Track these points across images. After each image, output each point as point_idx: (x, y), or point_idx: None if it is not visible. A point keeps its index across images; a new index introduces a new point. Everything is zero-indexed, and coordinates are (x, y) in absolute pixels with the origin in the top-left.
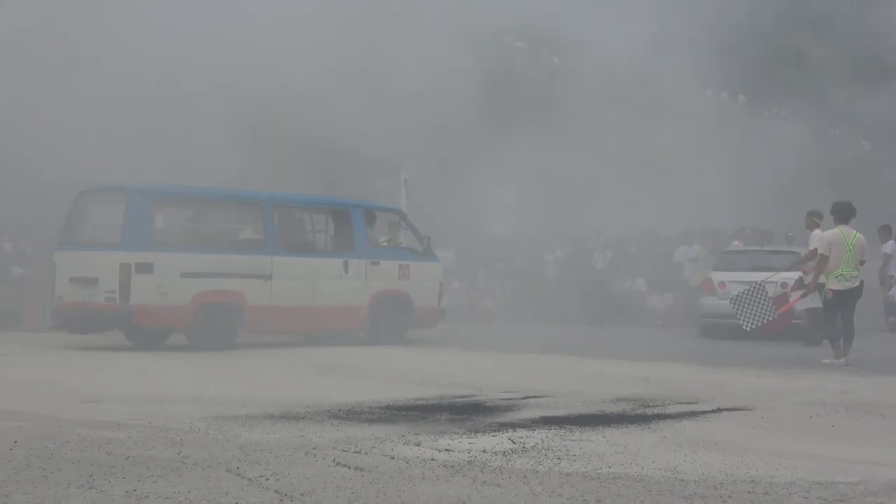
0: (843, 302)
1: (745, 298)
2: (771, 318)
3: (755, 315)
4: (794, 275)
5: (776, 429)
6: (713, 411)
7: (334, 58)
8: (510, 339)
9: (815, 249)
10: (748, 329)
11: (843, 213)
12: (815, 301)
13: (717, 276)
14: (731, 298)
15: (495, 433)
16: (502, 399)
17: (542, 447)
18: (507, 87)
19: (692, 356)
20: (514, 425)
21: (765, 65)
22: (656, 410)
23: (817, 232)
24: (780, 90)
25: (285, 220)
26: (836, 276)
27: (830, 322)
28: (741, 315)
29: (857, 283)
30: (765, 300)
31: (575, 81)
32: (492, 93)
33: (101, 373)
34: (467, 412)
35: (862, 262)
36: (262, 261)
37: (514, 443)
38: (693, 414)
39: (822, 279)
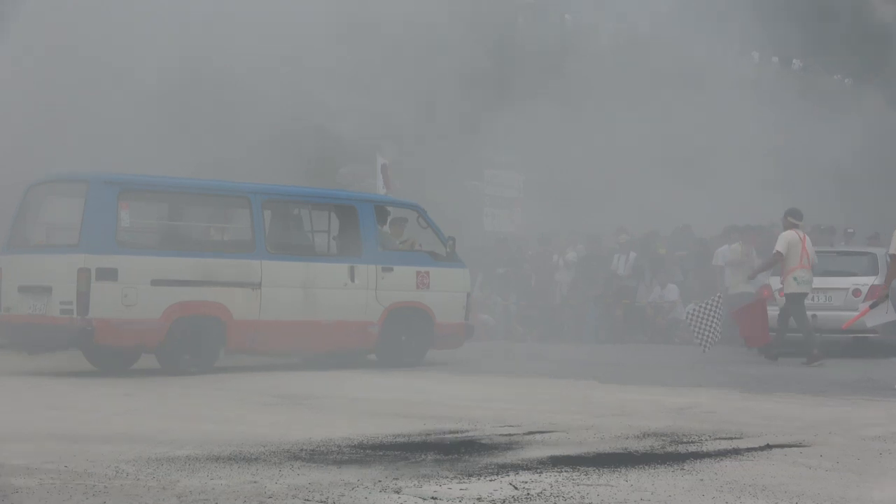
0: None
1: (699, 316)
2: (719, 336)
3: (712, 333)
4: (866, 280)
5: (839, 469)
6: (761, 448)
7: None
8: (512, 361)
9: (778, 252)
10: (705, 352)
11: None
12: (889, 313)
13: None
14: (686, 316)
15: (493, 477)
16: (502, 435)
17: (552, 494)
18: (509, 52)
19: (734, 381)
20: (516, 467)
21: (821, 20)
22: (691, 448)
23: (787, 234)
24: (839, 51)
25: (278, 217)
26: None
27: None
28: (697, 335)
29: None
30: (719, 316)
31: (590, 45)
32: (490, 58)
33: (16, 402)
34: (459, 451)
35: None
36: (249, 266)
37: (516, 489)
38: (736, 452)
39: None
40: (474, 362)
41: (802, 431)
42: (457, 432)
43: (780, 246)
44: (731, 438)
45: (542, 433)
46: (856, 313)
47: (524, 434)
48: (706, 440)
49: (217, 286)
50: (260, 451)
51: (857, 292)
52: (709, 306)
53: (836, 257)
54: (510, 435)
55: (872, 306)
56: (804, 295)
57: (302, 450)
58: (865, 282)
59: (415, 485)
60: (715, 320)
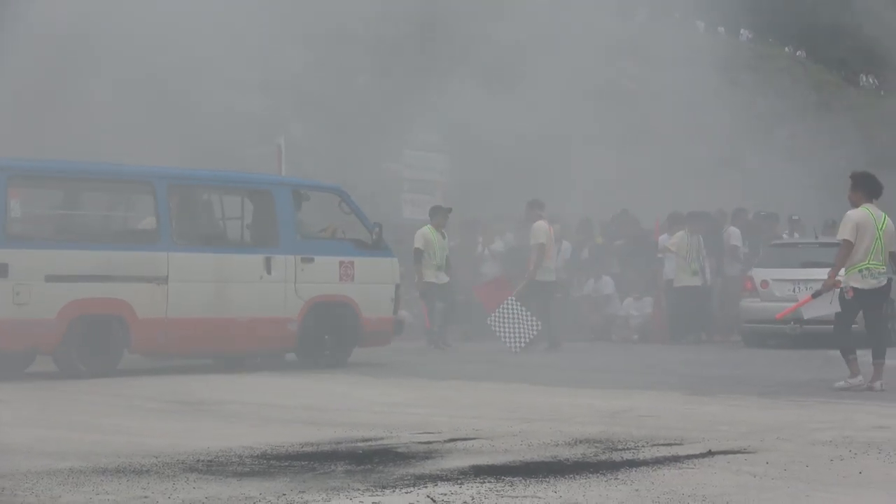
0: (867, 305)
1: (503, 317)
2: (535, 333)
3: (520, 333)
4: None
5: (786, 477)
6: (702, 455)
7: None
8: (433, 362)
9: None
10: (516, 351)
11: (872, 187)
12: (829, 306)
13: (760, 274)
14: (489, 319)
15: (409, 489)
16: (420, 442)
17: None
18: (431, 17)
19: (677, 382)
20: (434, 478)
21: None
22: (627, 455)
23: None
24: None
25: (186, 204)
26: (860, 270)
27: (845, 330)
28: (504, 336)
29: (885, 282)
30: (523, 315)
31: (521, 11)
32: (410, 24)
33: None
34: (372, 461)
35: (893, 256)
36: (154, 259)
37: (434, 501)
38: (676, 459)
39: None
40: (398, 364)
41: (748, 437)
42: (371, 440)
43: (846, 233)
44: (670, 445)
45: (464, 440)
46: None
47: (445, 442)
48: (643, 447)
49: (119, 282)
50: (152, 462)
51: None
52: (507, 307)
53: (817, 248)
54: (429, 443)
55: (815, 296)
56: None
57: (198, 461)
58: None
59: (323, 498)
60: (521, 318)
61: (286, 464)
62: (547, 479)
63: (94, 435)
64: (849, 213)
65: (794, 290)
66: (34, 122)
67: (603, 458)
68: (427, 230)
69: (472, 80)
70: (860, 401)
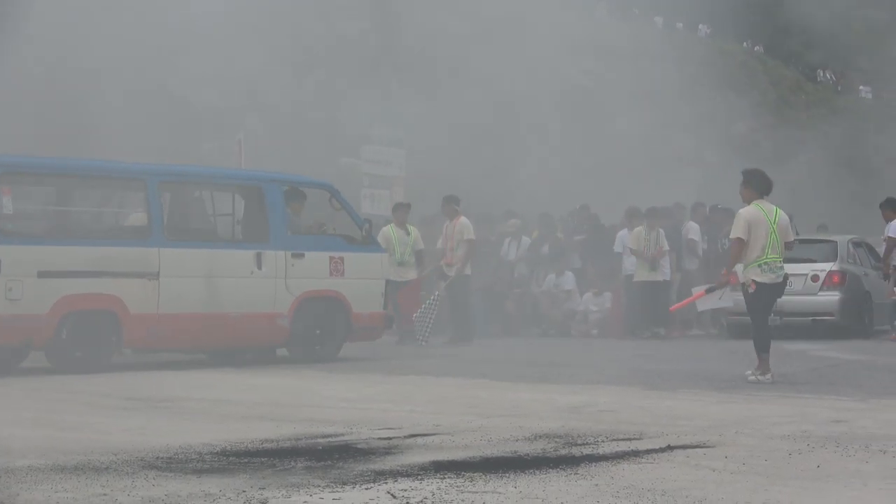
0: (766, 299)
1: (426, 315)
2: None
3: (430, 326)
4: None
5: (745, 471)
6: (661, 450)
7: None
8: (390, 358)
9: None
10: (423, 344)
11: (762, 184)
12: (724, 300)
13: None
14: (414, 317)
15: (369, 485)
16: (380, 438)
17: (433, 502)
18: (389, 13)
19: (636, 377)
20: (394, 474)
21: None
22: (586, 450)
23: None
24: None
25: (177, 200)
26: (760, 265)
27: (762, 323)
28: (420, 333)
29: (782, 278)
30: (435, 313)
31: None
32: (368, 20)
33: None
34: (332, 457)
35: (789, 247)
36: (146, 255)
37: (394, 497)
38: (635, 454)
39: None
40: (357, 359)
41: (707, 431)
42: (330, 436)
43: (738, 230)
44: (629, 439)
45: (424, 436)
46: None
47: (405, 437)
48: (602, 442)
49: (110, 277)
50: (111, 459)
51: (815, 278)
52: (431, 306)
53: (797, 245)
54: (389, 438)
55: (708, 291)
56: None
57: (158, 458)
58: (824, 268)
59: (283, 495)
60: (433, 316)
61: (246, 460)
62: (507, 475)
63: (51, 432)
64: (740, 211)
65: None
66: None
67: (563, 452)
68: (388, 228)
69: (427, 74)
70: (818, 395)
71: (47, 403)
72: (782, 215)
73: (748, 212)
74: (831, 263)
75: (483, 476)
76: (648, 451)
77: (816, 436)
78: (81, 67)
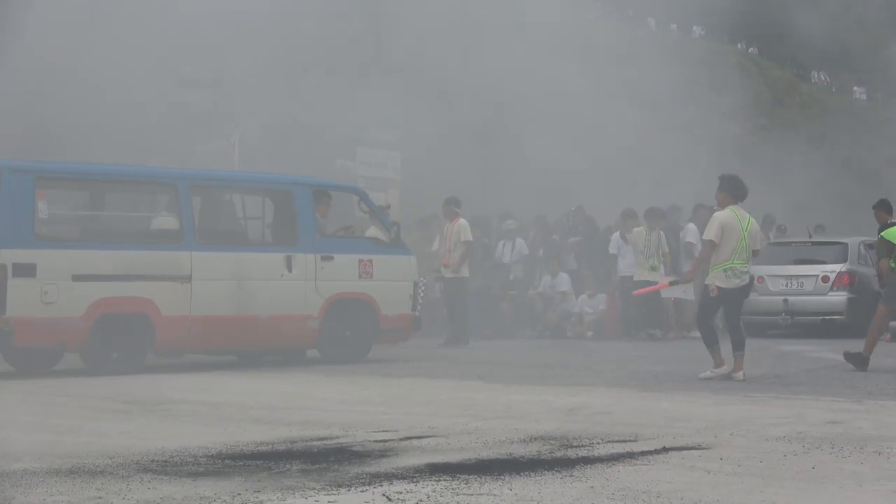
0: (729, 302)
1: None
2: None
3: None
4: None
5: (740, 473)
6: (657, 452)
7: None
8: (387, 359)
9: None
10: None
11: (737, 190)
12: (686, 292)
13: (757, 271)
14: None
15: (364, 487)
16: (375, 441)
17: None
18: (383, 14)
19: (631, 379)
20: (390, 476)
21: None
22: (582, 452)
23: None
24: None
25: (208, 204)
26: (725, 270)
27: (707, 323)
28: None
29: (747, 280)
30: None
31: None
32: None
33: None
34: (327, 460)
35: (756, 254)
36: (178, 258)
37: (389, 500)
38: (630, 456)
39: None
40: (348, 363)
41: (702, 433)
42: (326, 439)
43: (711, 233)
44: (625, 441)
45: (419, 438)
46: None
47: (400, 440)
48: (598, 444)
49: (143, 280)
50: (106, 463)
51: (825, 279)
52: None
53: (809, 246)
54: (385, 441)
55: (672, 283)
56: None
57: (153, 461)
58: (834, 269)
59: (278, 497)
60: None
61: (241, 463)
62: (502, 477)
63: (47, 435)
64: (715, 214)
65: (786, 286)
66: None
67: (558, 455)
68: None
69: (421, 77)
70: (814, 397)
71: (44, 407)
72: (754, 223)
73: (723, 216)
74: (842, 265)
75: (478, 478)
76: (644, 453)
77: (812, 437)
78: (78, 68)
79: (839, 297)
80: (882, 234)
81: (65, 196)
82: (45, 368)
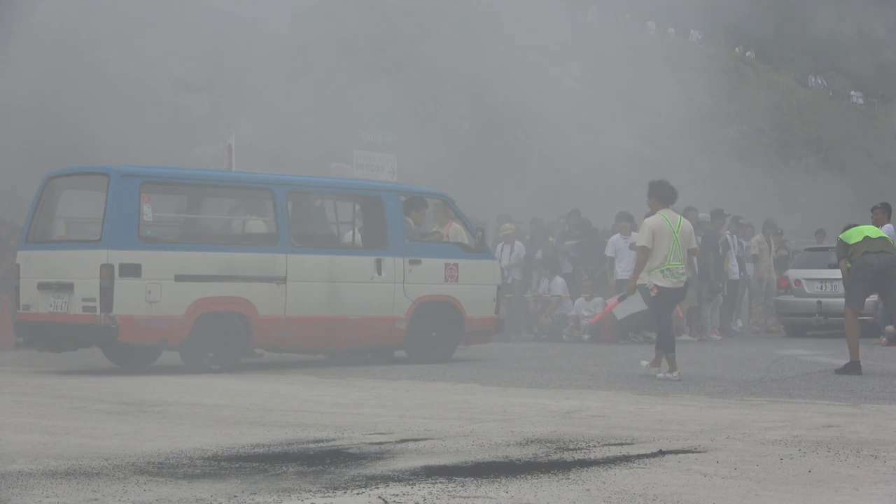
0: (664, 301)
1: None
2: None
3: None
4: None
5: (737, 476)
6: (653, 455)
7: None
8: (382, 361)
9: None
10: None
11: (666, 195)
12: (637, 304)
13: (794, 274)
14: None
15: (361, 490)
16: (371, 443)
17: None
18: (382, 16)
19: (627, 382)
20: (386, 479)
21: None
22: (578, 455)
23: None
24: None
25: (302, 209)
26: (662, 271)
27: (665, 324)
28: None
29: (683, 283)
30: None
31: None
32: (362, 24)
33: None
34: (323, 462)
35: (693, 253)
36: (274, 260)
37: (386, 502)
38: (627, 459)
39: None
40: (343, 364)
41: (698, 436)
42: (322, 441)
43: (643, 239)
44: (621, 444)
45: (415, 441)
46: None
47: (396, 442)
48: (594, 447)
49: (241, 281)
50: (102, 464)
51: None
52: None
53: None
54: (381, 443)
55: (621, 299)
56: None
57: (149, 463)
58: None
59: (274, 500)
60: None
61: (237, 465)
62: (498, 479)
63: (43, 436)
64: (646, 220)
65: (820, 288)
66: None
67: (554, 457)
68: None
69: (418, 80)
70: (810, 400)
71: (39, 408)
72: (686, 223)
73: (653, 221)
74: None
75: (474, 481)
76: (640, 456)
77: (808, 441)
78: (75, 70)
79: (870, 299)
80: (840, 236)
81: (167, 199)
82: (145, 364)
